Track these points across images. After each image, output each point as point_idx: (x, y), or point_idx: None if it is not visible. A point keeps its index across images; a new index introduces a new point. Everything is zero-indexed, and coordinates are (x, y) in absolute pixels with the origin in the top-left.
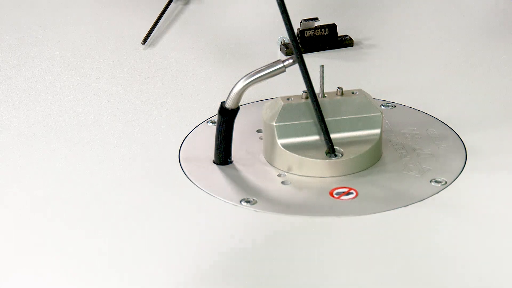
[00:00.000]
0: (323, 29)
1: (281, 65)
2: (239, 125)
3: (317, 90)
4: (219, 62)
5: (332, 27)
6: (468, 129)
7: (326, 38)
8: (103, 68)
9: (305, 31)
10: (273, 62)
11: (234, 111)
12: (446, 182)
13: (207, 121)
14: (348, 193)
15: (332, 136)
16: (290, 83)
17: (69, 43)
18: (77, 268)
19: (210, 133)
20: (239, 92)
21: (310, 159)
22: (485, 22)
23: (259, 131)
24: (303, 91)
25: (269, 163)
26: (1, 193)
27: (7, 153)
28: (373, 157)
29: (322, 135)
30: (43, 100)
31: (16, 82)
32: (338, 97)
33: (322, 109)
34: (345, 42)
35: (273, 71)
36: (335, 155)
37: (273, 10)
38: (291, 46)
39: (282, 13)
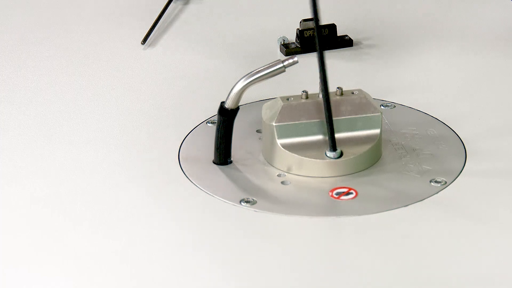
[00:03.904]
0: (322, 29)
1: (281, 65)
2: (239, 125)
3: (317, 90)
4: (219, 62)
5: (332, 27)
6: (468, 129)
7: (326, 38)
8: (103, 68)
9: (305, 31)
10: (273, 62)
11: (234, 111)
12: (445, 182)
13: (206, 121)
14: (347, 193)
15: None
16: (290, 83)
17: (69, 43)
18: (77, 268)
19: (209, 133)
20: (239, 92)
21: (309, 159)
22: (485, 22)
23: (258, 131)
24: (303, 91)
25: (269, 163)
26: (1, 193)
27: (7, 153)
28: (373, 157)
29: (327, 132)
30: (43, 100)
31: (16, 82)
32: (338, 97)
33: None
34: (345, 42)
35: (273, 71)
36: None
37: (273, 10)
38: (291, 46)
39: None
